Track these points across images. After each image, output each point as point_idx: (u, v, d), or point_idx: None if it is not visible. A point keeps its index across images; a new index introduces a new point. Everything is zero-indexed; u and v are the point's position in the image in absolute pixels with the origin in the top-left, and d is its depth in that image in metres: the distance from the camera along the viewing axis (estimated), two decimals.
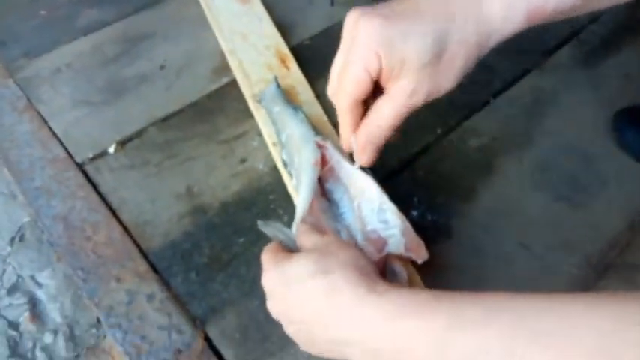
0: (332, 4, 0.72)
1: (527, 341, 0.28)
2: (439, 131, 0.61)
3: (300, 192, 0.47)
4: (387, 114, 0.41)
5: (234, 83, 0.63)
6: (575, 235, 0.54)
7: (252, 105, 0.60)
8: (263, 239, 0.49)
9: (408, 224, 0.47)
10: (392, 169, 0.58)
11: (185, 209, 0.53)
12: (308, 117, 0.54)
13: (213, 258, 0.50)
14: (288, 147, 0.52)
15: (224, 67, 0.64)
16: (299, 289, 0.36)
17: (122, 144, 0.57)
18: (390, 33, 0.37)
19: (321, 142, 0.48)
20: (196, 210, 0.53)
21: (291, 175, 0.52)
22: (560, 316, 0.28)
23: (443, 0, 0.38)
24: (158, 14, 0.72)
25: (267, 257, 0.40)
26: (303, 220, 0.44)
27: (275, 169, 0.56)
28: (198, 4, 0.70)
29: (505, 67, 0.68)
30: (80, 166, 0.56)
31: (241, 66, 0.62)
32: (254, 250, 0.51)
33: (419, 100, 0.40)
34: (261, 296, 0.42)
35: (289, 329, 0.39)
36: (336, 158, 0.48)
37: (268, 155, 0.57)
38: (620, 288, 0.51)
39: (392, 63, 0.38)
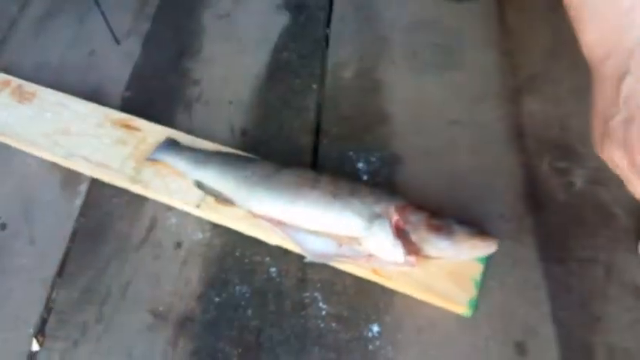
0: (117, 43, 0.63)
1: None
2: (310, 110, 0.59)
3: None
4: None
5: (97, 184, 0.52)
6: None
7: (138, 189, 0.50)
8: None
9: None
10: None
11: (168, 333, 0.44)
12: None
13: (244, 345, 0.43)
14: (246, 187, 0.47)
15: (72, 178, 0.53)
16: None
17: (40, 332, 0.45)
18: None
19: None
20: (180, 325, 0.44)
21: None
22: None
23: None
24: None
25: None
26: None
27: (216, 226, 0.49)
28: None
29: None
30: None
31: (90, 161, 0.52)
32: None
33: None
34: None
35: None
36: None
37: (198, 220, 0.49)
38: None
39: None
